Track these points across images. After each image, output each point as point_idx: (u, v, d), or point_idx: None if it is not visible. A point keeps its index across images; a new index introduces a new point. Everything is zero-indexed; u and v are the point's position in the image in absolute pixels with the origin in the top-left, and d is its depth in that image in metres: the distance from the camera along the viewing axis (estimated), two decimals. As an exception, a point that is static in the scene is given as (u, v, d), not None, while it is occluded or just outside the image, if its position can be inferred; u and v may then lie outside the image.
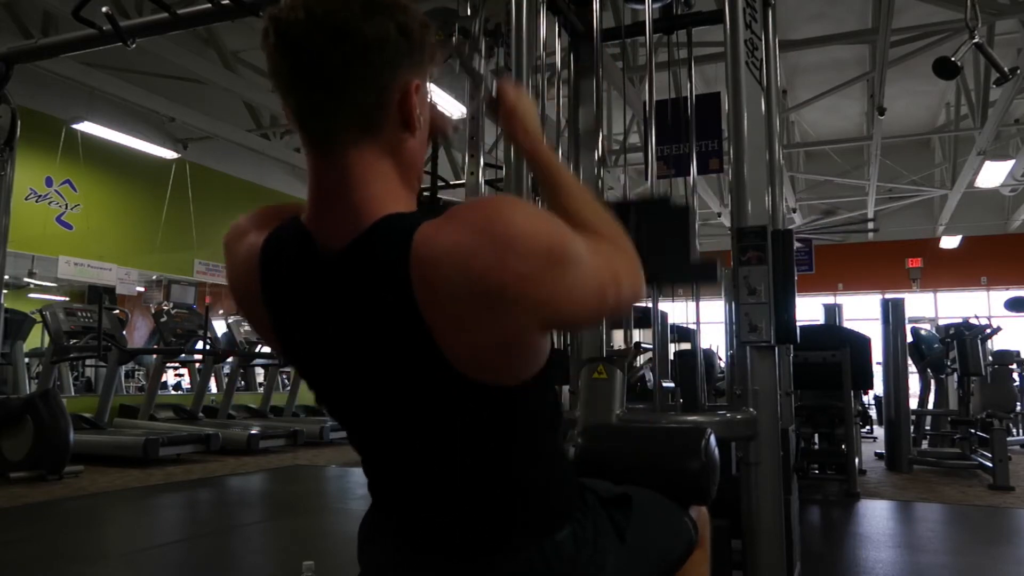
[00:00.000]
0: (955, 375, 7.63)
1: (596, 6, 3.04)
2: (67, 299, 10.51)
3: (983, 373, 7.22)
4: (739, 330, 2.43)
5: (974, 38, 2.69)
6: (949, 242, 13.78)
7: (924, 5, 6.49)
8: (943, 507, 5.05)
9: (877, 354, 6.67)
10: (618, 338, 3.08)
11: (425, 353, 0.82)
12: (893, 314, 6.96)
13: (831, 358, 5.61)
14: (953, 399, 7.91)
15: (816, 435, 6.05)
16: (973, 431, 6.68)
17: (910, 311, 7.89)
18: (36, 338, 9.30)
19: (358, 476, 6.46)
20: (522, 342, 0.85)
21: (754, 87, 2.51)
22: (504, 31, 2.42)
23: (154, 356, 8.87)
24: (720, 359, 7.91)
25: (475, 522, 0.93)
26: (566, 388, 2.65)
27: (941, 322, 11.63)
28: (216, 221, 10.55)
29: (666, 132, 3.58)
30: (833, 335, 6.26)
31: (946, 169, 11.60)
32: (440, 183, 2.03)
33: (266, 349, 9.34)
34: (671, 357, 5.81)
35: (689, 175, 3.31)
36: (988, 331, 7.71)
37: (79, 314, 7.33)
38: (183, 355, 8.87)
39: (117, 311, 8.15)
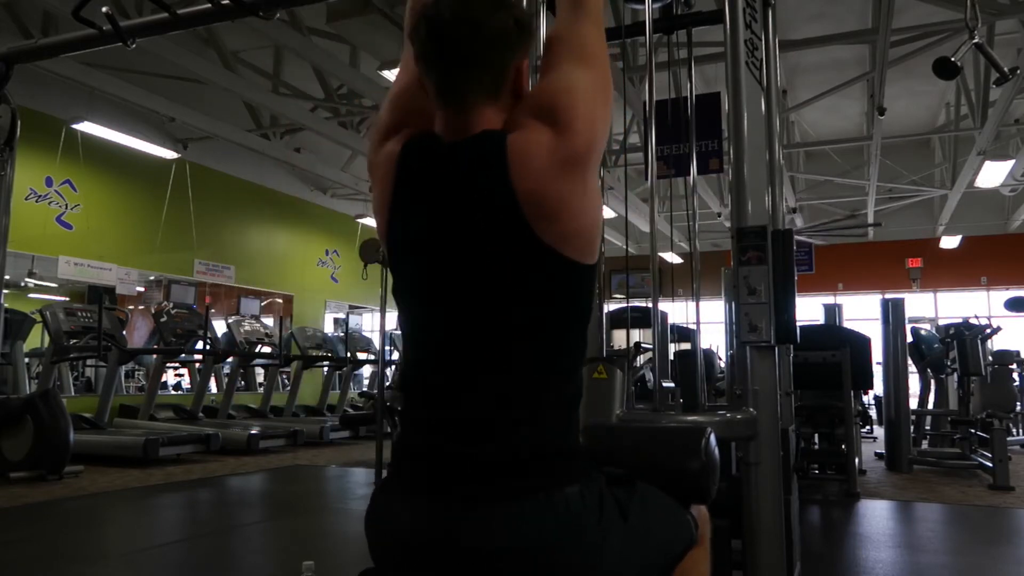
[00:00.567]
0: (955, 375, 7.63)
1: (596, 6, 3.04)
2: (67, 299, 10.49)
3: (983, 373, 7.22)
4: (739, 330, 2.43)
5: (974, 38, 2.68)
6: (949, 242, 13.76)
7: (924, 5, 6.48)
8: (943, 507, 5.05)
9: (877, 354, 6.68)
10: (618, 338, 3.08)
11: (512, 214, 1.08)
12: (893, 314, 6.97)
13: (831, 358, 5.61)
14: (953, 399, 7.91)
15: (816, 435, 6.05)
16: (973, 431, 6.68)
17: (910, 311, 7.90)
18: (36, 338, 9.28)
19: (358, 476, 6.46)
20: (580, 187, 1.11)
21: (754, 87, 2.51)
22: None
23: (154, 356, 8.86)
24: (720, 359, 7.92)
25: (503, 451, 1.06)
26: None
27: (941, 322, 11.65)
28: (216, 221, 10.56)
29: (666, 132, 3.58)
30: (833, 335, 6.27)
31: (946, 169, 11.59)
32: None
33: (266, 349, 9.36)
34: (671, 357, 5.82)
35: (689, 175, 3.32)
36: (988, 331, 7.71)
37: (79, 314, 7.33)
38: (183, 355, 8.87)
39: (119, 310, 8.15)
